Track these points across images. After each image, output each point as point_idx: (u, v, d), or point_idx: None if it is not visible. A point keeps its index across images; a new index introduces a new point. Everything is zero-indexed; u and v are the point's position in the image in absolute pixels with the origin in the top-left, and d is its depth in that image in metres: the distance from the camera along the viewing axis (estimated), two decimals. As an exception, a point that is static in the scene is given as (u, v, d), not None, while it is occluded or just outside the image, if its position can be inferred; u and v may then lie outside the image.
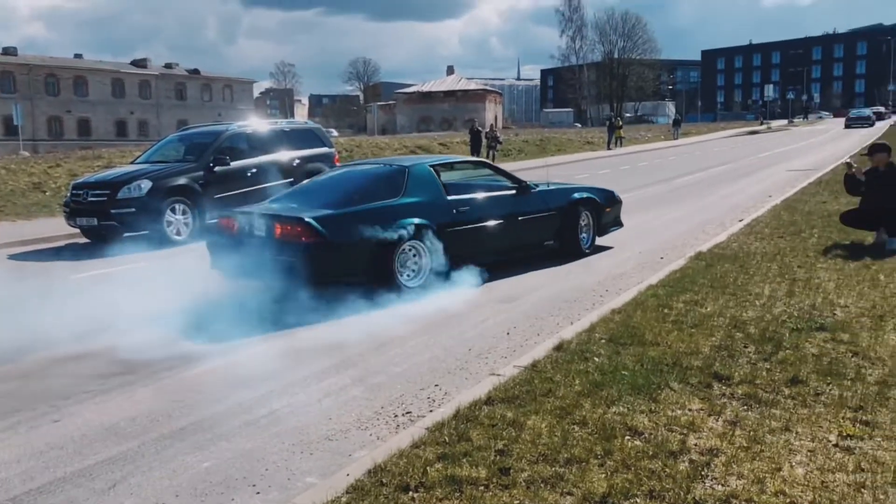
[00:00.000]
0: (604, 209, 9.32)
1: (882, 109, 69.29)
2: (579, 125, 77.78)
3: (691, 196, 15.35)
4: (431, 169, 7.92)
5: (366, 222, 6.91)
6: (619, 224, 9.77)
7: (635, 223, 10.80)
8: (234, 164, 12.40)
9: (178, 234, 11.47)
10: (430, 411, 4.22)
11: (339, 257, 6.84)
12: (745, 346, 4.89)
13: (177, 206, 11.54)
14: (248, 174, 12.58)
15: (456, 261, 7.37)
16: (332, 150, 14.72)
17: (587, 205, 9.05)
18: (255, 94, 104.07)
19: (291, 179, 13.14)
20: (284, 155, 13.33)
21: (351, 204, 7.22)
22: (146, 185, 11.36)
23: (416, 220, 7.18)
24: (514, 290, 7.28)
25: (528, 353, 5.01)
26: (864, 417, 3.72)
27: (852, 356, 4.65)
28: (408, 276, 7.18)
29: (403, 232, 7.02)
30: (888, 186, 8.34)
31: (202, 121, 49.92)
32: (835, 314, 5.60)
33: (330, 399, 4.57)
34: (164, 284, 7.66)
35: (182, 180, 11.78)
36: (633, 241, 9.89)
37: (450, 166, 8.78)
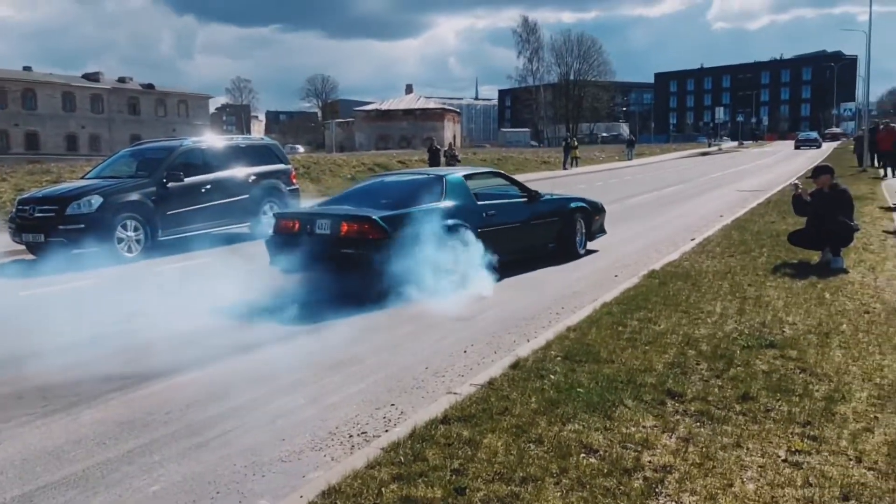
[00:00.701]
0: (593, 217, 10.55)
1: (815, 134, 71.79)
2: (536, 143, 78.69)
3: (645, 215, 15.62)
4: (462, 178, 8.94)
5: (417, 221, 7.70)
6: (603, 231, 10.96)
7: (590, 242, 10.91)
8: (189, 179, 12.21)
9: (130, 251, 11.21)
10: (386, 431, 4.17)
11: (392, 251, 7.43)
12: (698, 363, 4.96)
13: (128, 223, 11.28)
14: (203, 190, 12.40)
15: (491, 250, 8.13)
16: (289, 166, 14.63)
17: (581, 213, 10.30)
18: (211, 109, 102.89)
19: (247, 195, 13.02)
20: (240, 171, 13.18)
21: (404, 206, 8.04)
22: (97, 200, 11.10)
23: (457, 221, 8.11)
24: (472, 307, 7.28)
25: (485, 371, 5.01)
26: (811, 433, 3.80)
27: (800, 372, 4.76)
28: (447, 270, 7.77)
29: (449, 226, 7.98)
30: (831, 207, 8.60)
31: (156, 136, 49.20)
32: (783, 331, 5.73)
33: (283, 420, 4.49)
34: (113, 303, 7.48)
35: (134, 196, 11.54)
36: (589, 260, 10.00)
37: (474, 176, 9.57)
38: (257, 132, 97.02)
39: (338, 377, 5.31)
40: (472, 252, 7.97)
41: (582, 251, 10.22)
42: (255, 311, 7.24)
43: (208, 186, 12.49)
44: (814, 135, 69.44)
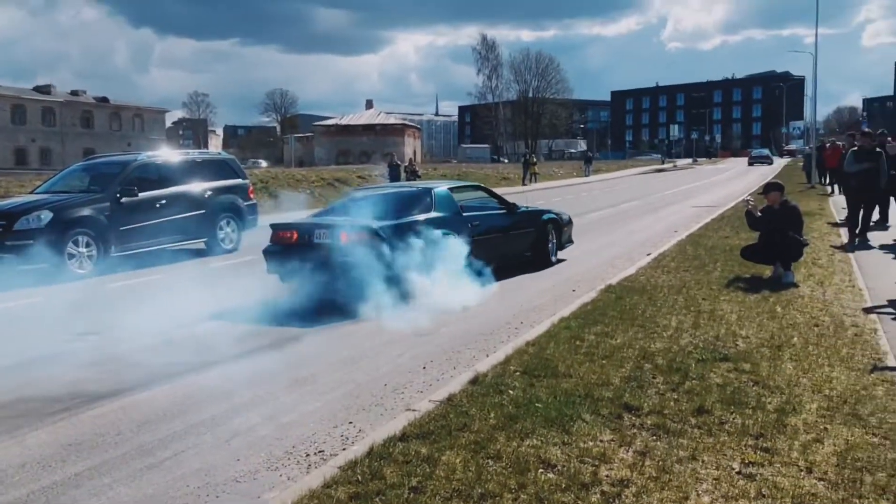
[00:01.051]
0: (563, 228, 11.33)
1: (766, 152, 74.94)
2: (505, 160, 79.17)
3: (602, 230, 15.82)
4: (448, 191, 9.60)
5: (411, 231, 8.35)
6: (571, 241, 11.71)
7: (560, 251, 10.99)
8: (143, 194, 11.99)
9: (81, 267, 10.94)
10: (343, 449, 4.12)
11: (390, 256, 7.93)
12: (654, 377, 5.02)
13: (80, 239, 11.02)
14: (158, 205, 12.19)
15: (474, 256, 8.64)
16: (247, 181, 14.48)
17: (553, 224, 11.05)
18: (168, 123, 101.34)
19: (203, 211, 12.83)
20: (196, 186, 13.00)
21: (397, 217, 8.62)
22: (46, 215, 10.83)
23: (445, 230, 8.72)
24: (432, 322, 7.26)
25: (444, 387, 4.99)
26: (764, 444, 3.86)
27: (753, 385, 4.85)
28: (437, 275, 8.13)
29: (436, 236, 8.50)
30: (782, 223, 8.82)
31: (110, 150, 48.15)
32: (737, 345, 5.84)
33: (238, 439, 4.41)
34: (62, 320, 7.28)
35: (86, 211, 11.29)
36: (547, 274, 10.08)
37: (458, 189, 10.27)
38: (215, 147, 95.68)
39: (295, 395, 5.24)
40: (460, 259, 8.42)
41: (554, 259, 10.93)
42: (209, 328, 7.13)
43: (163, 201, 12.29)
44: (766, 152, 73.55)
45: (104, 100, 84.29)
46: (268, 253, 8.84)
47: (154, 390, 5.33)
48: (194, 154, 14.53)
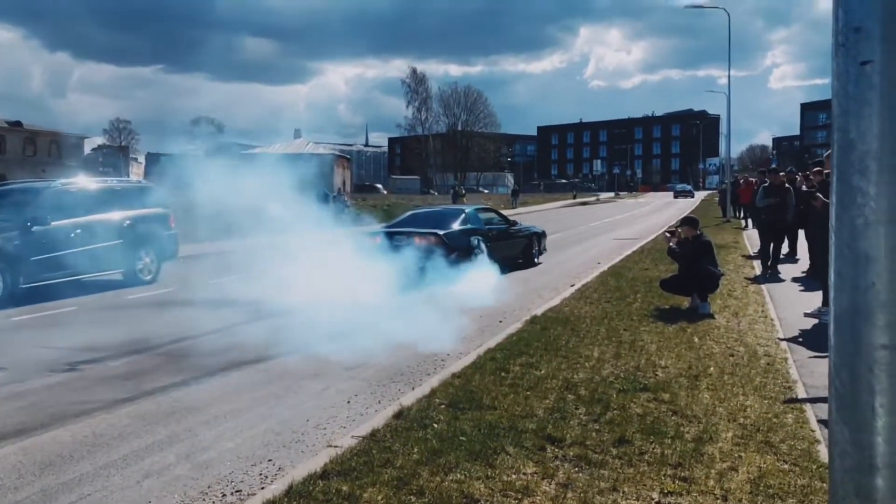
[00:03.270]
0: (542, 239, 15.74)
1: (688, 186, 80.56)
2: (433, 192, 79.64)
3: (518, 265, 16.01)
4: (475, 210, 14.64)
5: (461, 236, 12.75)
6: (545, 250, 15.97)
7: (475, 288, 11.05)
8: (56, 223, 11.48)
9: (-14, 299, 10.35)
10: (262, 488, 3.99)
11: (452, 252, 11.99)
12: (577, 408, 5.07)
13: (-15, 269, 10.44)
14: (72, 235, 11.68)
15: (490, 257, 12.50)
16: (168, 210, 14.04)
17: (536, 235, 15.40)
18: (87, 150, 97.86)
19: (121, 240, 12.38)
20: (115, 215, 12.54)
21: (448, 227, 12.89)
22: (-52, 245, 10.23)
23: (477, 237, 13.01)
24: (358, 356, 7.16)
25: (368, 422, 4.91)
26: (682, 474, 3.94)
27: (672, 415, 4.95)
28: (474, 260, 12.23)
29: (475, 240, 12.85)
30: (696, 256, 9.14)
31: (24, 176, 46.10)
32: (656, 375, 5.97)
33: (151, 480, 4.21)
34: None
35: (-8, 240, 10.71)
36: (475, 305, 10.11)
37: (478, 210, 15.09)
38: (136, 175, 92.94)
39: (214, 431, 5.06)
40: (484, 255, 12.54)
41: (537, 261, 15.05)
42: (122, 363, 6.84)
43: (78, 231, 11.79)
44: (689, 187, 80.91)
45: (17, 124, 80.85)
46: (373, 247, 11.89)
47: (60, 429, 5.06)
48: (113, 181, 14.05)
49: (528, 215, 39.60)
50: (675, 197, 69.14)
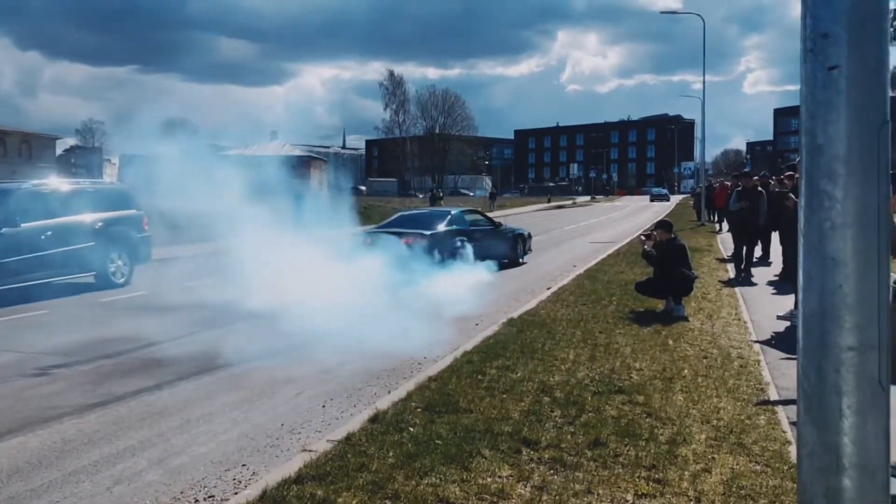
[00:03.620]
0: (527, 240, 16.50)
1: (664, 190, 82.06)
2: (419, 195, 79.54)
3: (504, 264, 16.05)
4: (461, 212, 15.29)
5: (446, 237, 13.56)
6: (530, 250, 16.74)
7: (454, 290, 11.05)
8: (26, 225, 11.30)
9: (-47, 302, 10.15)
10: (235, 493, 3.95)
11: (439, 252, 12.87)
12: (552, 411, 5.08)
13: (-48, 272, 10.24)
14: (43, 237, 11.50)
15: (475, 257, 13.40)
16: (141, 212, 13.87)
17: (520, 237, 16.15)
18: (59, 151, 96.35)
19: (93, 243, 12.21)
20: (87, 217, 12.36)
21: (434, 227, 13.61)
22: (-86, 247, 10.02)
23: (461, 237, 13.76)
24: (332, 359, 7.13)
25: (343, 426, 4.88)
26: (656, 476, 3.96)
27: (646, 417, 4.98)
28: (460, 259, 13.11)
29: (459, 241, 13.61)
30: (670, 259, 9.22)
31: (-7, 178, 45.26)
32: (631, 377, 6.01)
33: (122, 486, 4.15)
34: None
35: (-40, 243, 10.51)
36: (449, 308, 10.10)
37: (464, 212, 15.65)
38: (110, 176, 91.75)
39: (187, 436, 5.00)
40: (470, 254, 13.36)
41: (522, 261, 15.85)
42: (92, 367, 6.74)
43: (49, 233, 11.61)
44: (664, 190, 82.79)
45: (-13, 124, 79.47)
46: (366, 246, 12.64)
47: (28, 435, 4.97)
48: (85, 183, 13.85)
49: (504, 218, 39.71)
50: (652, 200, 70.23)
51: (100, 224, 12.50)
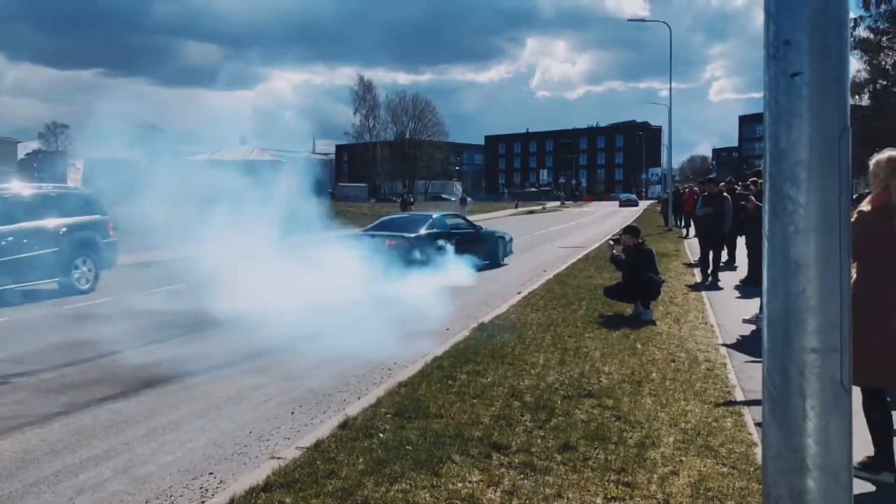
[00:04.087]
0: (508, 242, 17.28)
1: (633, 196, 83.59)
2: (395, 199, 79.35)
3: (482, 267, 16.07)
4: (442, 216, 16.26)
5: (429, 239, 14.39)
6: (511, 252, 17.53)
7: (425, 295, 11.03)
8: (-14, 230, 11.04)
9: None
10: (202, 502, 3.90)
11: (420, 254, 13.64)
12: (522, 415, 5.09)
13: None
14: (3, 242, 11.26)
15: (457, 258, 13.78)
16: (107, 217, 13.63)
17: (501, 239, 17.05)
18: (21, 154, 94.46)
19: (56, 249, 11.98)
20: (49, 222, 12.13)
21: (416, 231, 14.56)
22: None
23: (442, 240, 14.53)
24: (302, 365, 7.07)
25: (313, 433, 4.84)
26: (625, 479, 3.99)
27: (615, 420, 5.02)
28: (440, 261, 13.54)
29: (442, 243, 14.37)
30: (637, 264, 9.31)
31: (-48, 181, 44.14)
32: (600, 381, 6.05)
33: (85, 496, 4.06)
34: None
35: (-83, 248, 10.24)
36: (422, 312, 10.09)
37: (445, 216, 16.60)
38: (74, 181, 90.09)
39: (153, 445, 4.92)
40: (450, 256, 13.87)
41: (503, 262, 16.71)
42: (57, 375, 6.60)
43: (10, 238, 11.37)
44: (633, 196, 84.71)
45: (-54, 127, 77.59)
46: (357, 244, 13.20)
47: (-12, 446, 4.84)
48: (48, 187, 13.57)
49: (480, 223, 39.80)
50: (621, 206, 71.51)
51: (63, 229, 12.27)
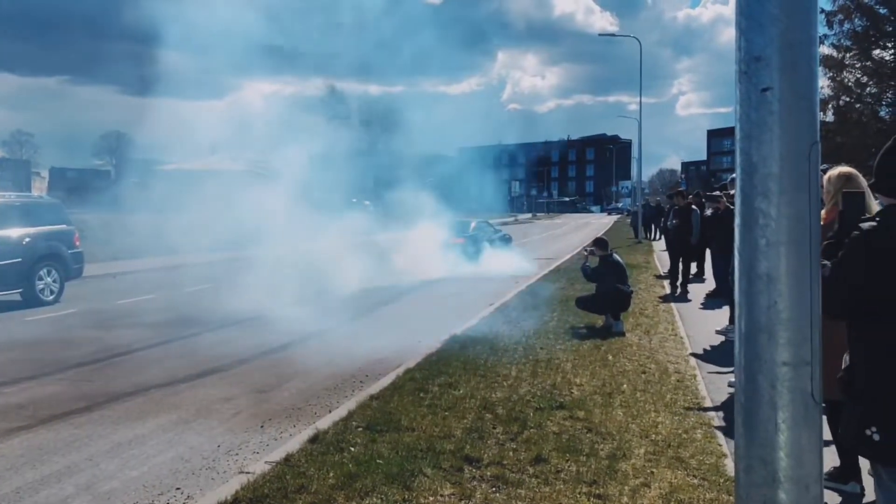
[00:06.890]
0: (510, 240, 22.65)
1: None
2: (366, 203, 79.11)
3: (450, 280, 16.06)
4: (479, 221, 21.24)
5: (476, 240, 19.47)
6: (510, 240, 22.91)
7: (395, 307, 11.01)
8: (-54, 240, 10.77)
9: None
10: (168, 519, 3.81)
11: (472, 252, 18.54)
12: (494, 427, 5.08)
13: None
14: (-36, 252, 10.99)
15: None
16: (72, 227, 13.40)
17: (507, 237, 22.63)
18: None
19: (19, 259, 11.73)
20: (13, 231, 11.88)
21: (465, 232, 19.54)
22: None
23: (482, 241, 19.65)
24: (272, 378, 6.98)
25: (282, 446, 4.78)
26: (597, 491, 3.99)
27: (587, 432, 5.02)
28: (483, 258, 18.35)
29: (486, 244, 19.64)
30: (608, 275, 9.37)
31: (-89, 190, 43.05)
32: (572, 393, 6.06)
33: (46, 514, 3.95)
34: None
35: None
36: (393, 325, 10.05)
37: (482, 222, 21.52)
38: (39, 190, 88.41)
39: (118, 460, 4.81)
40: (488, 251, 18.74)
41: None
42: (19, 388, 6.44)
43: (-29, 248, 11.11)
44: (618, 205, 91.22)
45: None
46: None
47: (-55, 462, 4.70)
48: (11, 197, 13.30)
49: (447, 235, 39.83)
50: (609, 214, 74.90)
51: (27, 239, 12.02)
